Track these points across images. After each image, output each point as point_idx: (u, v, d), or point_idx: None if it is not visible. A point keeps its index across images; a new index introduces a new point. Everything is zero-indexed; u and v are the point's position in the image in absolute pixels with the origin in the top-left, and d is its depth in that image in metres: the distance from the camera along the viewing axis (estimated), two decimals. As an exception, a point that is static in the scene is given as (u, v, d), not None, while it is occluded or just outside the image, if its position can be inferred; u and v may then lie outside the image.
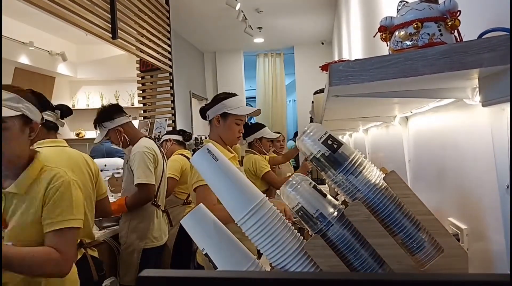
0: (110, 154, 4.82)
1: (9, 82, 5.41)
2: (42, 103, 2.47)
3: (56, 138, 2.07)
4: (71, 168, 2.03)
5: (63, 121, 2.15)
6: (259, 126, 3.85)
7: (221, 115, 2.09)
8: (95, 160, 3.60)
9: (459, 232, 0.96)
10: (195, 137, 4.71)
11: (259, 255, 1.27)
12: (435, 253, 0.79)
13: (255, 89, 8.85)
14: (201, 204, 0.87)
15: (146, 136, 2.74)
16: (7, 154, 1.33)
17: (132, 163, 2.54)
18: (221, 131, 2.11)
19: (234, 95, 2.17)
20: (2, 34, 4.96)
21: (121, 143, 2.64)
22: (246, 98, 8.69)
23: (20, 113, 1.34)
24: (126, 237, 2.57)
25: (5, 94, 1.33)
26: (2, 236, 1.34)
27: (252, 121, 9.59)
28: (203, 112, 2.18)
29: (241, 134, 2.20)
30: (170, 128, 4.97)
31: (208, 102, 2.20)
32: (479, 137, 0.85)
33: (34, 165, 1.43)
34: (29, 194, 1.39)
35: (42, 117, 1.49)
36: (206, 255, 0.81)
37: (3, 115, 1.28)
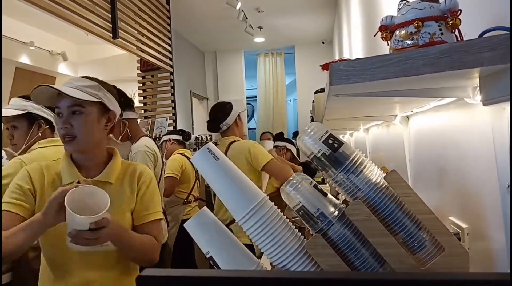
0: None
1: (9, 82, 5.41)
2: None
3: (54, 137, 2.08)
4: None
5: None
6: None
7: (238, 116, 2.62)
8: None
9: (460, 231, 0.96)
10: (196, 137, 4.71)
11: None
12: (436, 252, 0.79)
13: (255, 89, 8.85)
14: (205, 207, 0.88)
15: (147, 135, 2.75)
16: (84, 138, 1.34)
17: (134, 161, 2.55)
18: (242, 128, 2.66)
19: (229, 102, 2.67)
20: (3, 34, 4.97)
21: (121, 136, 2.65)
22: (247, 98, 8.69)
23: (98, 100, 1.35)
24: None
25: (87, 82, 1.37)
26: None
27: (253, 122, 9.63)
28: (215, 125, 2.61)
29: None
30: (171, 128, 4.98)
31: (211, 118, 2.65)
32: (480, 136, 0.85)
33: (117, 160, 1.46)
34: (118, 184, 1.41)
35: (122, 113, 1.53)
36: (210, 258, 0.81)
37: (83, 98, 1.31)
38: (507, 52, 0.58)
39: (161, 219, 1.47)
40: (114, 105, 1.44)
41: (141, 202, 1.42)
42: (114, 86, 1.53)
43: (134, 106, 2.71)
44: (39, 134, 2.00)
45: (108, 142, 1.50)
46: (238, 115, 2.62)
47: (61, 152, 2.02)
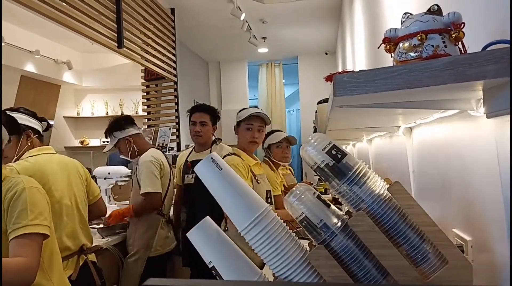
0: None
1: (15, 90, 5.45)
2: (124, 119, 2.58)
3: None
4: (61, 173, 2.05)
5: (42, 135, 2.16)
6: (269, 133, 3.29)
7: (236, 125, 2.54)
8: (100, 168, 3.61)
9: (463, 243, 0.95)
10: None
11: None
12: (440, 265, 0.79)
13: (258, 99, 8.89)
14: (207, 217, 0.88)
15: (154, 147, 2.78)
16: None
17: (139, 173, 2.57)
18: (239, 139, 2.54)
19: (245, 108, 2.62)
20: (9, 42, 5.02)
21: (129, 153, 2.67)
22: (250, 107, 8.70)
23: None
24: (133, 245, 2.59)
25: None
26: None
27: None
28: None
29: (255, 139, 2.51)
30: (174, 137, 4.99)
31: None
32: (484, 148, 0.85)
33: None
34: None
35: (10, 138, 1.55)
36: (212, 268, 0.81)
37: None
38: (510, 65, 0.58)
39: (33, 234, 1.35)
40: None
41: (7, 220, 1.36)
42: (4, 112, 1.53)
43: (136, 116, 2.74)
44: (29, 143, 1.99)
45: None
46: (237, 123, 2.52)
47: (54, 160, 2.03)
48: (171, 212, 3.16)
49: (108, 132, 2.70)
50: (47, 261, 1.53)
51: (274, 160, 3.19)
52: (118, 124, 2.67)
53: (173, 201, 3.07)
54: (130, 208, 2.63)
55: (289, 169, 4.33)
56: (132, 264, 2.57)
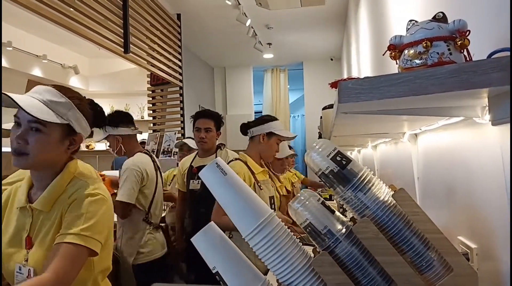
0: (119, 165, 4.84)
1: (22, 94, 5.49)
2: (119, 117, 2.39)
3: None
4: None
5: None
6: (270, 119, 2.97)
7: (267, 134, 2.37)
8: (105, 172, 3.62)
9: (468, 251, 0.95)
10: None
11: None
12: (444, 273, 0.78)
13: (263, 104, 8.91)
14: (212, 222, 0.88)
15: (143, 151, 2.74)
16: (36, 158, 1.16)
17: (121, 176, 2.56)
18: (263, 147, 2.39)
19: (277, 119, 2.47)
20: (17, 47, 5.07)
21: (115, 150, 2.67)
22: (255, 113, 8.74)
23: (65, 122, 1.18)
24: (119, 252, 2.58)
25: (58, 97, 1.18)
26: (26, 259, 1.19)
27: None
28: (245, 128, 2.45)
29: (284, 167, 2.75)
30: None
31: (252, 120, 2.48)
32: (489, 155, 0.84)
33: (63, 176, 1.23)
34: (54, 210, 1.21)
35: (92, 132, 1.34)
36: (216, 273, 0.81)
37: (46, 119, 1.12)
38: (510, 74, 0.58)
39: (87, 248, 1.15)
40: (82, 127, 1.25)
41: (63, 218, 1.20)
42: (91, 102, 1.35)
43: (142, 121, 2.72)
44: None
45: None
46: (268, 134, 2.36)
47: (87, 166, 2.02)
48: (169, 219, 3.14)
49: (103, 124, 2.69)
50: (101, 280, 1.31)
51: (273, 171, 3.13)
52: (112, 120, 2.65)
53: (174, 207, 3.05)
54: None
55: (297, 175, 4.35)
56: (125, 271, 2.56)
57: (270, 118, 2.43)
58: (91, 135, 1.35)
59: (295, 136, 2.56)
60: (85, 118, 1.26)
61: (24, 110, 1.09)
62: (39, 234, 1.20)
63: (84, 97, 1.31)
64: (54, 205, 1.21)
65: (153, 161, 2.74)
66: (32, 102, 1.13)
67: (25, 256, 1.19)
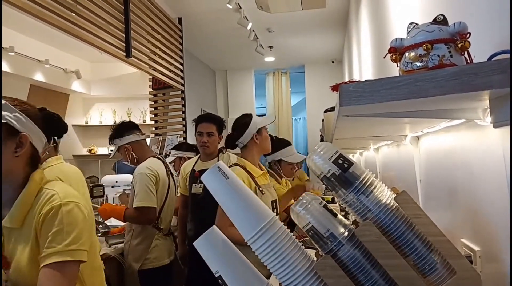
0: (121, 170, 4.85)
1: (24, 99, 5.49)
2: (123, 126, 2.37)
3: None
4: (82, 183, 2.05)
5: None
6: (281, 145, 3.05)
7: (257, 132, 2.32)
8: (107, 176, 3.63)
9: (471, 253, 0.94)
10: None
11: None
12: (447, 275, 0.78)
13: (265, 107, 8.91)
14: (214, 226, 0.88)
15: (155, 156, 2.75)
16: None
17: (134, 184, 2.56)
18: (261, 144, 2.34)
19: (251, 114, 2.42)
20: (19, 52, 5.09)
21: (129, 160, 2.68)
22: (257, 116, 8.74)
23: (2, 121, 1.12)
24: (127, 257, 2.58)
25: None
26: (5, 280, 1.16)
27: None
28: (232, 141, 2.34)
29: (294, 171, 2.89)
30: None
31: (230, 132, 2.39)
32: (491, 157, 0.84)
33: (29, 189, 1.17)
34: (26, 225, 1.16)
35: (50, 139, 1.28)
36: (219, 277, 0.81)
37: None
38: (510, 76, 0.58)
39: (65, 262, 1.11)
40: (27, 127, 1.17)
41: (40, 241, 1.14)
42: (44, 109, 1.29)
43: (144, 124, 2.72)
44: (47, 152, 1.94)
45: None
46: (258, 131, 2.32)
47: (72, 169, 2.03)
48: (174, 223, 3.12)
49: (110, 140, 2.70)
50: (89, 281, 1.32)
51: (282, 175, 3.06)
52: (117, 131, 2.67)
53: (177, 212, 3.04)
54: (122, 212, 2.56)
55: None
56: (129, 276, 2.56)
57: (249, 118, 2.35)
58: (49, 142, 1.27)
59: (274, 119, 2.58)
60: (32, 119, 1.19)
61: None
62: (15, 251, 1.16)
63: (31, 104, 1.25)
64: (25, 219, 1.16)
65: (166, 166, 2.75)
66: None
67: (4, 276, 1.15)
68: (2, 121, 1.11)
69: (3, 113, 1.12)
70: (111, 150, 2.78)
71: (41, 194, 1.18)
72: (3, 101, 1.13)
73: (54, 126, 1.30)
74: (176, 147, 3.80)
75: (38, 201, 1.16)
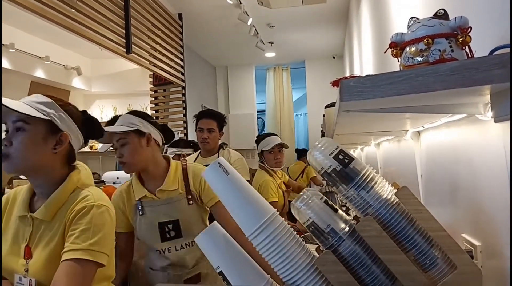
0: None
1: (25, 96, 5.50)
2: (94, 127, 2.39)
3: None
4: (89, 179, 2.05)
5: None
6: (261, 138, 3.25)
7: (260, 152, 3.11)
8: (108, 172, 3.63)
9: (472, 248, 0.94)
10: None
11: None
12: (448, 270, 0.78)
13: (265, 103, 8.90)
14: (215, 222, 0.88)
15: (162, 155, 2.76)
16: (19, 159, 1.16)
17: None
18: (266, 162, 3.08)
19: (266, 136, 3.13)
20: (19, 48, 5.09)
21: None
22: (257, 112, 8.74)
23: (46, 117, 1.18)
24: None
25: (41, 98, 1.21)
26: (26, 269, 1.18)
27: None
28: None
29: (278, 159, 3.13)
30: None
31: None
32: (492, 152, 0.84)
33: (65, 186, 1.24)
34: (56, 221, 1.20)
35: (86, 140, 1.32)
36: (220, 273, 0.81)
37: (28, 113, 1.14)
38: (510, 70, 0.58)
39: (94, 263, 1.15)
40: (68, 127, 1.24)
41: (68, 231, 1.19)
42: (85, 111, 1.35)
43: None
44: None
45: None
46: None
47: (84, 166, 2.01)
48: None
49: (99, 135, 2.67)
50: None
51: (267, 166, 3.17)
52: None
53: None
54: None
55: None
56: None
57: (262, 140, 3.07)
58: (86, 143, 1.34)
59: (280, 143, 3.10)
60: (73, 120, 1.26)
61: (5, 105, 1.09)
62: (39, 244, 1.20)
63: (74, 106, 1.32)
64: (56, 215, 1.21)
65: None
66: (13, 102, 1.14)
67: (24, 266, 1.18)
68: (48, 118, 1.18)
69: (49, 111, 1.19)
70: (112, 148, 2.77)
71: (75, 193, 1.24)
72: (49, 100, 1.22)
73: (92, 129, 1.36)
74: (174, 144, 3.76)
75: (71, 199, 1.22)
